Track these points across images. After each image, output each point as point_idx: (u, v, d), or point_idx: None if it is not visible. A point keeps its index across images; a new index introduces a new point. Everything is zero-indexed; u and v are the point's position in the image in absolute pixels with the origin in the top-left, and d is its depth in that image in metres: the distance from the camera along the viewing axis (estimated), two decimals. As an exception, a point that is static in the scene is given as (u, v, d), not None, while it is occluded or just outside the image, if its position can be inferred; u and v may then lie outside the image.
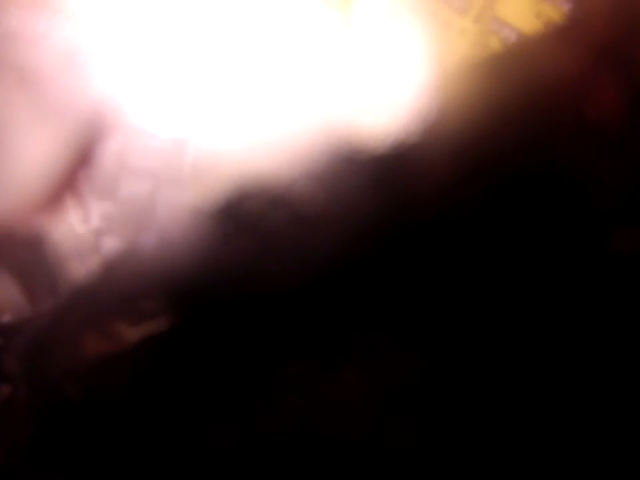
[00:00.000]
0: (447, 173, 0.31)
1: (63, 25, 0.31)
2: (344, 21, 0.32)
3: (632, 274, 0.30)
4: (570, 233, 0.31)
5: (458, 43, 0.33)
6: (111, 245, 0.31)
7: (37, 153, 0.31)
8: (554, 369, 0.30)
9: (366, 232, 0.31)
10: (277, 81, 0.32)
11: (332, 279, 0.31)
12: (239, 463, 0.31)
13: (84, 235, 0.31)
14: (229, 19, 0.32)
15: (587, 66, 0.31)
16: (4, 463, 0.31)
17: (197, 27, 0.32)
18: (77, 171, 0.31)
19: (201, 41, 0.32)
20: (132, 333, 0.31)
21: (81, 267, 0.31)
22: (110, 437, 0.31)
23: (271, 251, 0.31)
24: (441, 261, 0.31)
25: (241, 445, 0.31)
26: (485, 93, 0.32)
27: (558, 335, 0.30)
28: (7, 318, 0.31)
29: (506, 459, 0.30)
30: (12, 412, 0.31)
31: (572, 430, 0.30)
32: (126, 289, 0.32)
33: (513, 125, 0.31)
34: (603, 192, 0.31)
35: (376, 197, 0.31)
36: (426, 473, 0.30)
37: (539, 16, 0.32)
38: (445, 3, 0.33)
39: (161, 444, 0.31)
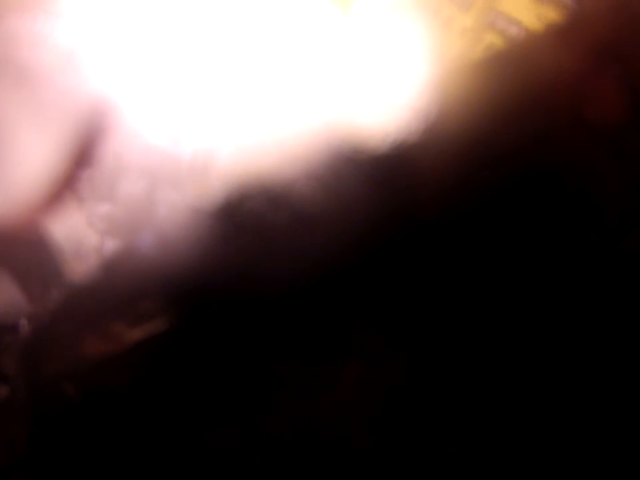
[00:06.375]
0: (447, 173, 0.31)
1: (61, 25, 0.31)
2: (344, 18, 0.32)
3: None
4: (573, 232, 0.31)
5: (459, 40, 0.32)
6: (110, 245, 0.31)
7: (36, 153, 0.31)
8: (557, 368, 0.30)
9: (366, 232, 0.31)
10: (276, 79, 0.32)
11: (332, 280, 0.31)
12: (238, 464, 0.31)
13: (83, 235, 0.31)
14: (228, 18, 0.32)
15: (587, 65, 0.31)
16: (3, 463, 0.31)
17: (194, 25, 0.32)
18: (76, 171, 0.31)
19: (199, 40, 0.32)
20: (131, 333, 0.31)
21: (80, 267, 0.31)
22: (109, 438, 0.31)
23: (270, 251, 0.31)
24: (441, 261, 0.31)
25: (240, 446, 0.31)
26: (485, 93, 0.32)
27: (558, 333, 0.30)
28: (6, 318, 0.31)
29: (506, 459, 0.30)
30: (11, 412, 0.31)
31: (577, 431, 0.30)
32: (125, 289, 0.32)
33: (513, 125, 0.31)
34: (604, 190, 0.31)
35: (376, 197, 0.31)
36: (426, 473, 0.30)
37: (539, 18, 0.32)
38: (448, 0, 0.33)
39: (159, 444, 0.31)
